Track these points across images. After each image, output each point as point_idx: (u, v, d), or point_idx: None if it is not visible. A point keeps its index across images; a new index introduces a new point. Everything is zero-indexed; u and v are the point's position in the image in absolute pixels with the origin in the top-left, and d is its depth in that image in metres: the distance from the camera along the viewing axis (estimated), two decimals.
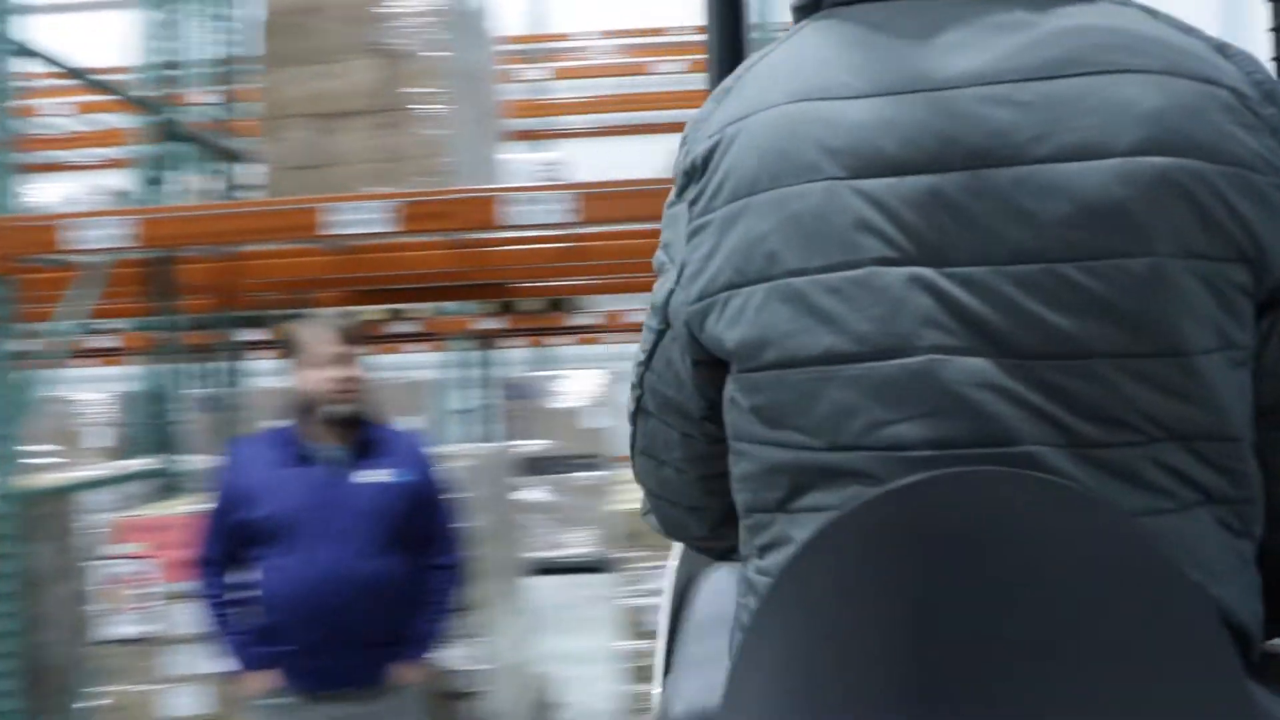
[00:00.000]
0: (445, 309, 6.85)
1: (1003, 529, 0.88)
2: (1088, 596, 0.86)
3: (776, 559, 1.01)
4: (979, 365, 0.92)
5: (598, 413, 7.95)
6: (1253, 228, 0.93)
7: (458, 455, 4.26)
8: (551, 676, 4.94)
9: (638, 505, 3.58)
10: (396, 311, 7.23)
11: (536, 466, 7.92)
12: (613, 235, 3.84)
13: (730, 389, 1.05)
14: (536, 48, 9.13)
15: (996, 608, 0.87)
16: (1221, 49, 1.00)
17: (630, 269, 4.62)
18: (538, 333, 8.07)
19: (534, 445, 8.12)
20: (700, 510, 1.22)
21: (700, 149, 1.08)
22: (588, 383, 8.00)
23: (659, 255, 1.14)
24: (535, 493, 7.80)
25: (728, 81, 1.12)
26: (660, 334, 1.13)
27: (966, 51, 0.98)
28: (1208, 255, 0.91)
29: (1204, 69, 0.96)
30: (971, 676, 0.87)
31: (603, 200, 2.82)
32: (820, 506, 0.97)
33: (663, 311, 1.11)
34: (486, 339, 7.52)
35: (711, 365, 1.07)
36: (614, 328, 7.22)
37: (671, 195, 1.12)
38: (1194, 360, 0.91)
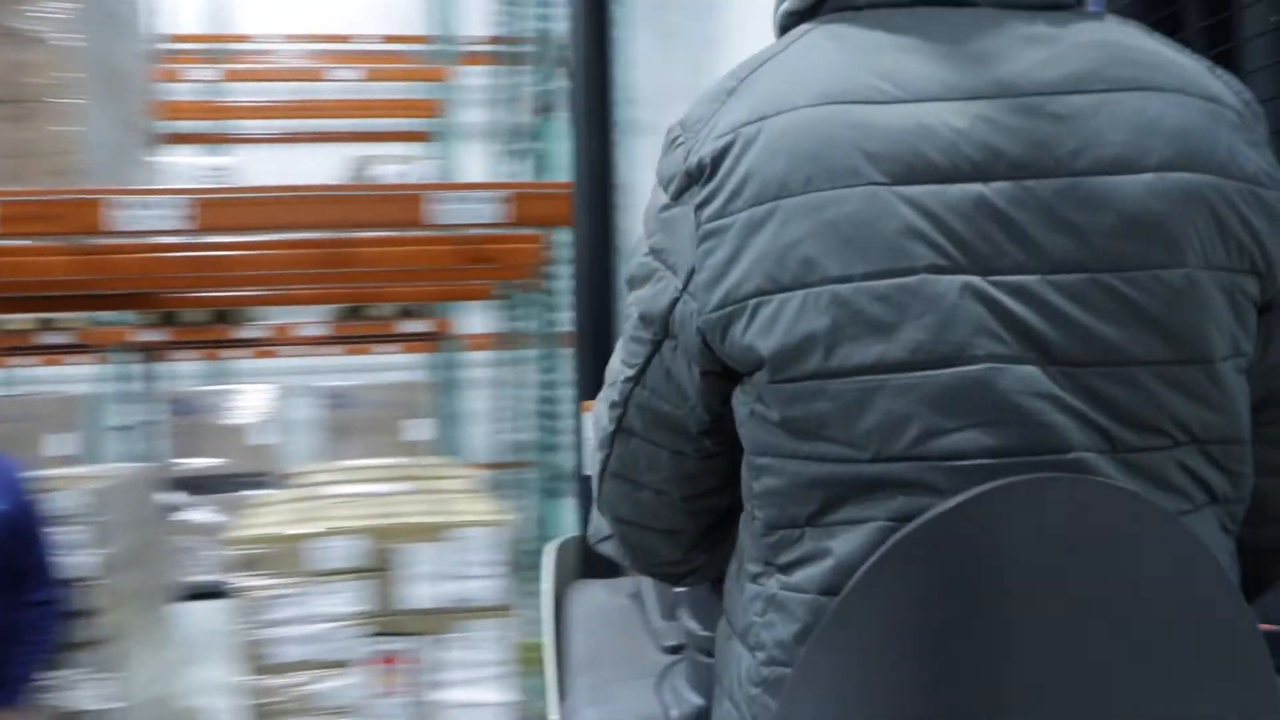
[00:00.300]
0: (100, 319, 6.42)
1: (1082, 536, 0.91)
2: (1159, 603, 0.92)
3: (810, 573, 0.98)
4: (1032, 373, 0.94)
5: (268, 429, 7.64)
6: (1263, 240, 0.99)
7: (97, 476, 3.98)
8: (201, 710, 4.68)
9: (267, 530, 3.39)
10: (46, 321, 6.76)
11: (201, 485, 7.53)
12: (242, 245, 3.66)
13: (749, 401, 1.01)
14: (215, 48, 8.73)
15: (1079, 616, 0.90)
16: (1211, 69, 1.05)
17: (282, 280, 4.46)
18: (207, 345, 7.69)
19: (200, 463, 7.71)
20: (677, 534, 1.18)
21: (707, 150, 1.02)
22: (258, 398, 7.67)
23: (645, 261, 1.08)
24: (198, 513, 7.41)
25: (727, 83, 1.06)
26: (657, 345, 1.07)
27: (997, 62, 0.99)
28: (1227, 267, 0.97)
29: (1209, 88, 1.02)
30: (1058, 685, 0.90)
31: (221, 207, 2.67)
32: (858, 519, 0.96)
33: (663, 320, 1.05)
34: (150, 351, 7.12)
35: (721, 376, 1.04)
36: (285, 341, 6.98)
37: (664, 198, 1.06)
38: (1217, 367, 0.97)
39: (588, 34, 2.14)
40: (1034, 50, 1.00)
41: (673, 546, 1.20)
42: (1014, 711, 0.91)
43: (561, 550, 1.96)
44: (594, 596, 1.85)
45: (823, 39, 1.05)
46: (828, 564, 0.97)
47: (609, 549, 1.30)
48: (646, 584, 1.72)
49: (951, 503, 0.91)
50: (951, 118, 0.97)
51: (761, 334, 0.97)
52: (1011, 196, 0.95)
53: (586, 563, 1.95)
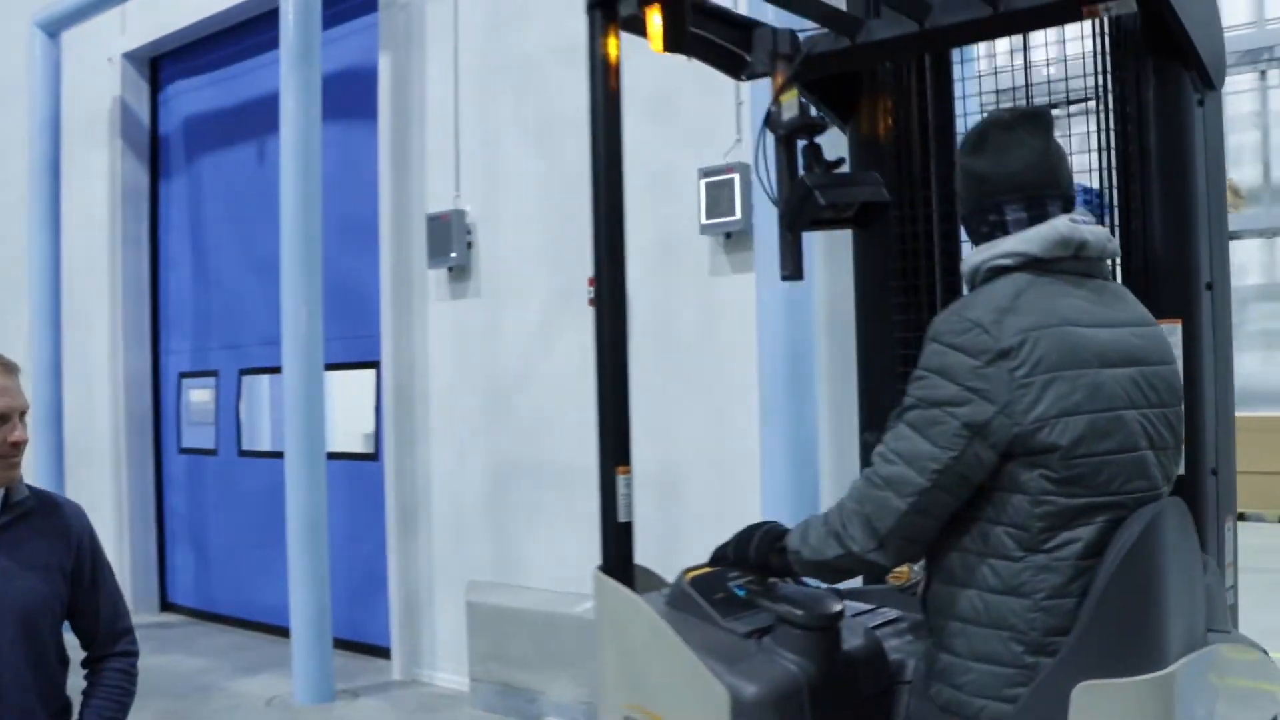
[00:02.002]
0: None
1: (1174, 518, 2.14)
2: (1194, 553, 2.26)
3: (1069, 551, 2.04)
4: (1151, 455, 2.15)
5: None
6: (1181, 393, 2.33)
7: None
8: None
9: None
10: None
11: None
12: None
13: (1036, 468, 2.03)
14: None
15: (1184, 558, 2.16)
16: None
17: None
18: None
19: None
20: (923, 542, 2.15)
21: (1012, 341, 2.02)
22: None
23: (947, 389, 2.05)
24: None
25: (1002, 304, 2.07)
26: (970, 440, 2.03)
27: (1113, 309, 2.17)
28: (1177, 405, 2.25)
29: (1154, 320, 2.31)
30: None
31: None
32: (1089, 523, 2.05)
33: (984, 428, 2.02)
34: None
35: (1003, 458, 2.04)
36: None
37: (976, 362, 2.03)
38: (1180, 447, 2.30)
39: None
40: (1120, 305, 2.21)
41: (920, 549, 2.18)
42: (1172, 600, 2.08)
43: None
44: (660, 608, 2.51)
45: (1043, 286, 2.12)
46: (1078, 546, 2.04)
47: (880, 557, 2.13)
48: (691, 599, 2.48)
49: (1143, 512, 2.07)
50: (1113, 338, 2.12)
51: (1062, 435, 2.02)
52: (1138, 374, 2.13)
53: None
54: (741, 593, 2.48)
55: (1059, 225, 2.12)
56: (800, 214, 2.84)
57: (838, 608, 2.38)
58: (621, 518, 2.63)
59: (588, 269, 6.10)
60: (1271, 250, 17.74)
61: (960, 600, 2.10)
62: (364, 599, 7.30)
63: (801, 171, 2.90)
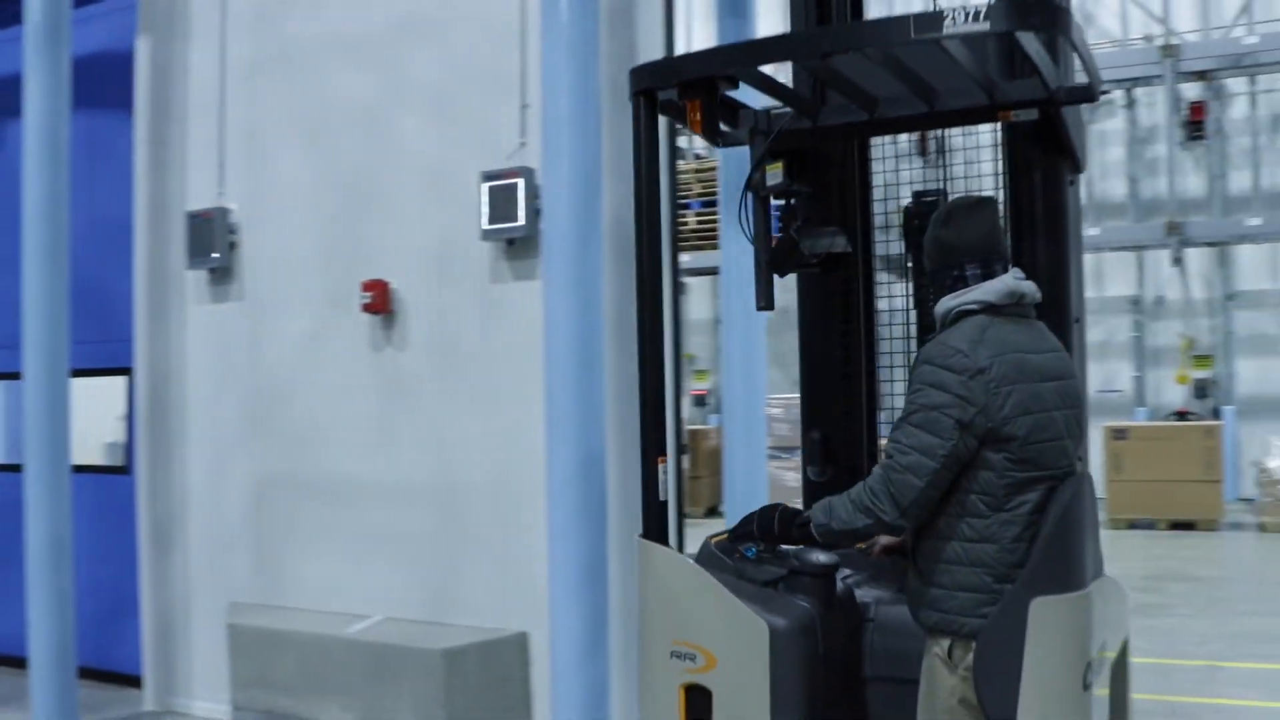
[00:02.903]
0: None
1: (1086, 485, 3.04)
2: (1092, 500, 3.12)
3: (1023, 509, 2.89)
4: (1070, 444, 3.02)
5: None
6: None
7: None
8: None
9: None
10: None
11: None
12: None
13: (1001, 451, 2.87)
14: None
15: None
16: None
17: None
18: None
19: None
20: (928, 509, 2.95)
21: (985, 363, 2.86)
22: None
23: (942, 396, 2.87)
24: None
25: (974, 337, 2.92)
26: (961, 434, 2.85)
27: (1041, 340, 3.04)
28: (1081, 408, 3.14)
29: (1060, 346, 3.16)
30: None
31: None
32: (1036, 488, 2.89)
33: (969, 425, 2.84)
34: None
35: (980, 444, 2.87)
36: None
37: (962, 376, 2.86)
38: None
39: None
40: (1042, 334, 3.07)
41: (926, 512, 2.96)
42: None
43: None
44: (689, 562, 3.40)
45: (999, 325, 2.96)
46: (1029, 506, 2.90)
47: (899, 519, 2.94)
48: (718, 559, 3.35)
49: (1072, 479, 2.96)
50: (1045, 362, 2.98)
51: (1017, 428, 2.86)
52: (1060, 385, 2.99)
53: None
54: (751, 554, 3.35)
55: (1008, 280, 3.03)
56: (787, 260, 3.83)
57: (833, 561, 3.28)
58: (660, 498, 3.37)
59: (361, 274, 5.94)
60: None
61: (945, 549, 2.97)
62: (113, 623, 6.82)
63: (776, 224, 3.85)
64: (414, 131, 5.76)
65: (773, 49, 3.43)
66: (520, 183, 5.27)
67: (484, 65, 5.56)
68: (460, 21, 5.64)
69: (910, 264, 3.99)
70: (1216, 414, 16.74)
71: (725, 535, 3.49)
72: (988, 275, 3.03)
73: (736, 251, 5.60)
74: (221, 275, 6.27)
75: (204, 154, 6.37)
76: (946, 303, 3.06)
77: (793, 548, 3.32)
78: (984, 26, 2.84)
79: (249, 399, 6.20)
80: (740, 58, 3.40)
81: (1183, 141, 16.76)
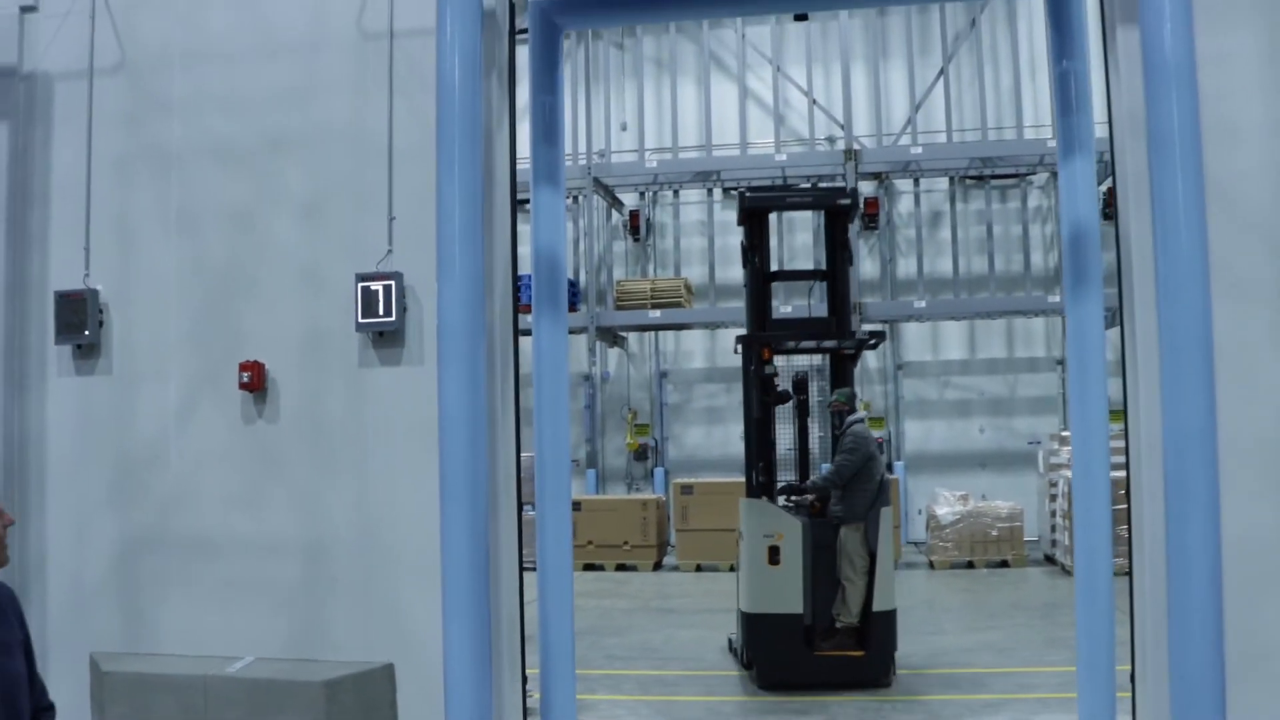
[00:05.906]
0: None
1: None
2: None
3: (868, 494, 9.11)
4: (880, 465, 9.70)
5: None
6: None
7: None
8: None
9: None
10: None
11: None
12: None
13: (871, 466, 9.36)
14: None
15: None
16: None
17: None
18: None
19: None
20: (850, 480, 9.28)
21: (871, 435, 9.64)
22: None
23: (865, 445, 9.30)
24: None
25: (862, 430, 9.55)
26: (866, 458, 9.16)
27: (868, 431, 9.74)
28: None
29: None
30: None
31: None
32: (870, 485, 9.30)
33: (869, 455, 9.25)
34: None
35: (866, 461, 9.25)
36: None
37: (868, 438, 9.73)
38: None
39: None
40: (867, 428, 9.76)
41: (843, 486, 9.29)
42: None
43: None
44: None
45: (862, 424, 9.80)
46: (876, 482, 9.13)
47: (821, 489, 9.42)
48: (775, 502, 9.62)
49: (886, 479, 9.46)
50: (869, 435, 9.58)
51: (878, 459, 9.42)
52: (872, 443, 9.43)
53: None
54: (782, 500, 9.58)
55: (861, 415, 9.34)
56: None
57: (813, 500, 9.43)
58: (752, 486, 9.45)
59: (235, 354, 6.66)
60: (714, 339, 20.55)
61: (850, 496, 9.01)
62: None
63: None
64: (286, 233, 6.58)
65: None
66: (392, 284, 6.23)
67: (353, 179, 6.49)
68: (330, 139, 6.54)
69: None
70: (890, 469, 19.19)
71: (782, 492, 9.64)
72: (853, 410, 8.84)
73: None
74: (89, 350, 6.79)
75: (69, 237, 6.84)
76: (853, 416, 9.23)
77: (799, 497, 9.54)
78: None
79: (114, 465, 6.74)
80: None
81: (859, 231, 19.24)
